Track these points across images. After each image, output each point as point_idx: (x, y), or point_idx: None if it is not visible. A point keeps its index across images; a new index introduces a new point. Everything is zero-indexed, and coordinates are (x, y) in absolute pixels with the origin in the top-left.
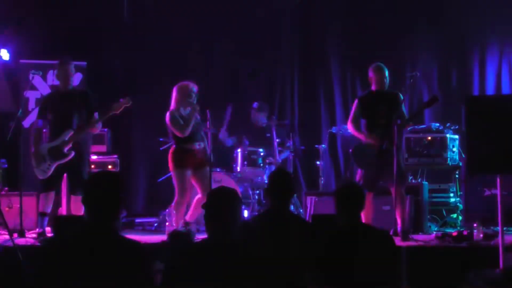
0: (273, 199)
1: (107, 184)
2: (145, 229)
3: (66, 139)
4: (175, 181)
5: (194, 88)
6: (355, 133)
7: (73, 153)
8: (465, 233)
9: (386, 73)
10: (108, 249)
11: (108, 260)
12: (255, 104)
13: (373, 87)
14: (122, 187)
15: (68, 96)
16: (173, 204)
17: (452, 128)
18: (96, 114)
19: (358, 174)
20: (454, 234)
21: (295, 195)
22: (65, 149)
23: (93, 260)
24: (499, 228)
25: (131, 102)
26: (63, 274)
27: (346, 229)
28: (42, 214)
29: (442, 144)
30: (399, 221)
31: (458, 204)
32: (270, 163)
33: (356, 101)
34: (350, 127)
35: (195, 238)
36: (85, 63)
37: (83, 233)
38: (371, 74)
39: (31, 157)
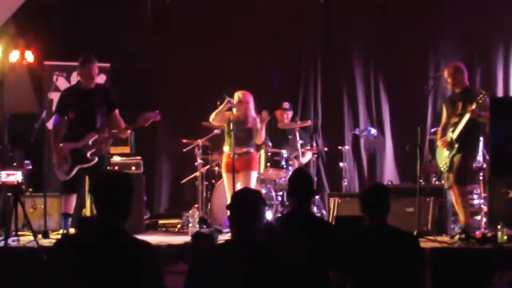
0: (293, 200)
1: (116, 185)
2: (168, 230)
3: (90, 143)
4: None
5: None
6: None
7: (96, 159)
8: (489, 234)
9: (463, 74)
10: (116, 249)
11: (117, 260)
12: (286, 104)
13: (456, 89)
14: (130, 188)
15: (90, 94)
16: None
17: None
18: (117, 112)
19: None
20: (478, 235)
21: (318, 196)
22: (88, 154)
23: (102, 260)
24: None
25: (159, 118)
26: (72, 273)
27: (371, 230)
28: (65, 215)
29: None
30: (462, 217)
31: (482, 205)
32: (293, 165)
33: (443, 105)
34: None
35: (218, 239)
36: (109, 64)
37: (93, 233)
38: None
39: (52, 156)
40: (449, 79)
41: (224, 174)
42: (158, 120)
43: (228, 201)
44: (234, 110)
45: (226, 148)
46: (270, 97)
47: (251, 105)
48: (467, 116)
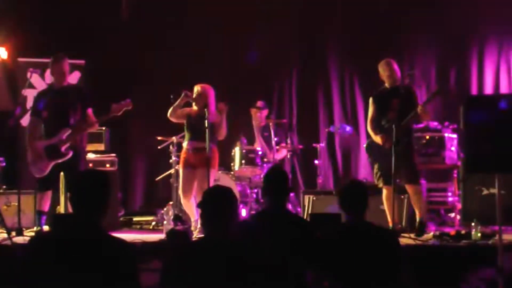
0: (269, 198)
1: (92, 183)
2: (143, 227)
3: (64, 138)
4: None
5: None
6: (372, 134)
7: (71, 153)
8: (463, 232)
9: (395, 67)
10: (92, 247)
11: (92, 258)
12: (260, 103)
13: (386, 84)
14: (108, 186)
15: (63, 92)
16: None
17: (450, 127)
18: (90, 110)
19: (374, 169)
20: (452, 233)
21: (293, 194)
22: (63, 149)
23: (77, 257)
24: (497, 227)
25: (132, 106)
26: (47, 271)
27: (350, 227)
28: (39, 213)
29: (440, 143)
30: (418, 213)
31: (456, 203)
32: (268, 162)
33: (370, 100)
34: (369, 127)
35: (193, 237)
36: (83, 61)
37: (68, 231)
38: (380, 71)
39: (28, 154)
40: (387, 75)
41: (181, 170)
42: (131, 109)
43: (182, 198)
44: (194, 105)
45: (185, 144)
46: (247, 95)
47: (212, 99)
48: (413, 113)
